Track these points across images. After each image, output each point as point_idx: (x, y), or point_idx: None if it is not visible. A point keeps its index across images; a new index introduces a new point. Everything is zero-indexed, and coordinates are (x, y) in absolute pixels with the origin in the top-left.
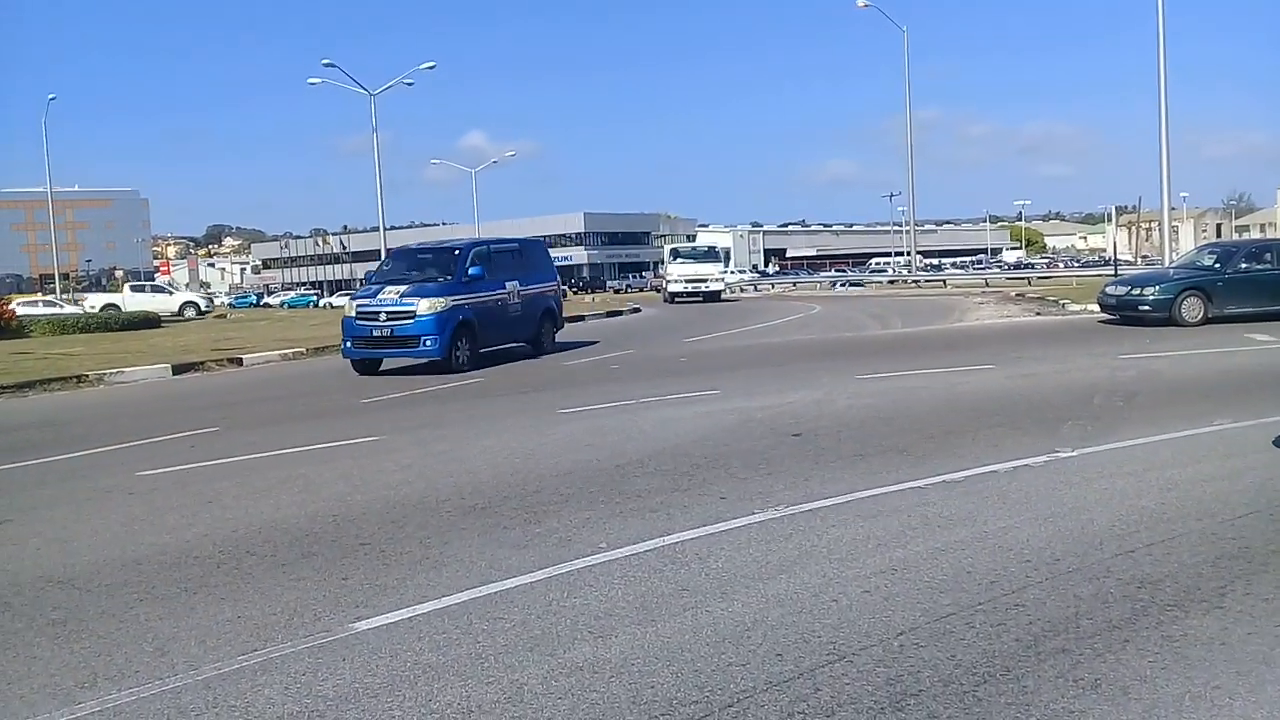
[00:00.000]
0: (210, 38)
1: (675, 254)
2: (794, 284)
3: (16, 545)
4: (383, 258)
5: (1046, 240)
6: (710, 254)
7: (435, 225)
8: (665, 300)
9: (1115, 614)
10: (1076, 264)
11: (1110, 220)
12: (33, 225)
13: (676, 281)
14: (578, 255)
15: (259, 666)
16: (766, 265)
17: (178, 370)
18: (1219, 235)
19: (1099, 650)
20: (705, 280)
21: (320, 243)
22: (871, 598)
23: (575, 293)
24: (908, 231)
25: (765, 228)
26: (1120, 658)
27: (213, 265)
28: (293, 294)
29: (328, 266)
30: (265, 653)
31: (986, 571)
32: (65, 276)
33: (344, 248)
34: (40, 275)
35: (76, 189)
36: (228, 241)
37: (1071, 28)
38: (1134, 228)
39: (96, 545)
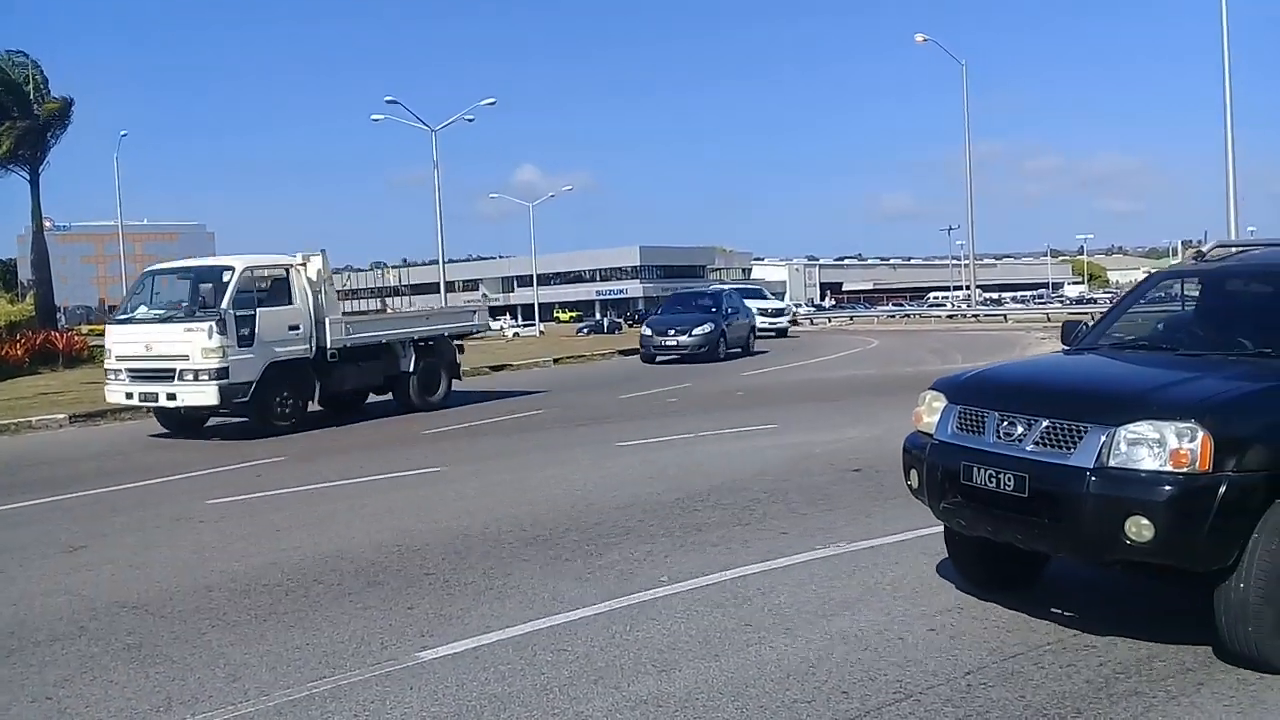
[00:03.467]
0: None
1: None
2: (850, 318)
3: (92, 570)
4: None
5: (1110, 275)
6: (199, 281)
7: (492, 258)
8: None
9: (1189, 657)
10: None
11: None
12: (103, 258)
13: (120, 379)
14: (633, 289)
15: (329, 694)
16: (822, 299)
17: None
18: None
19: (1173, 693)
20: (161, 369)
21: (382, 275)
22: (938, 636)
23: (631, 326)
24: (967, 265)
25: (821, 261)
26: (1195, 701)
27: None
28: None
29: (387, 300)
30: (334, 680)
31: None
32: None
33: (402, 281)
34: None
35: (145, 222)
36: None
37: (1134, 61)
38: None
39: (169, 572)
